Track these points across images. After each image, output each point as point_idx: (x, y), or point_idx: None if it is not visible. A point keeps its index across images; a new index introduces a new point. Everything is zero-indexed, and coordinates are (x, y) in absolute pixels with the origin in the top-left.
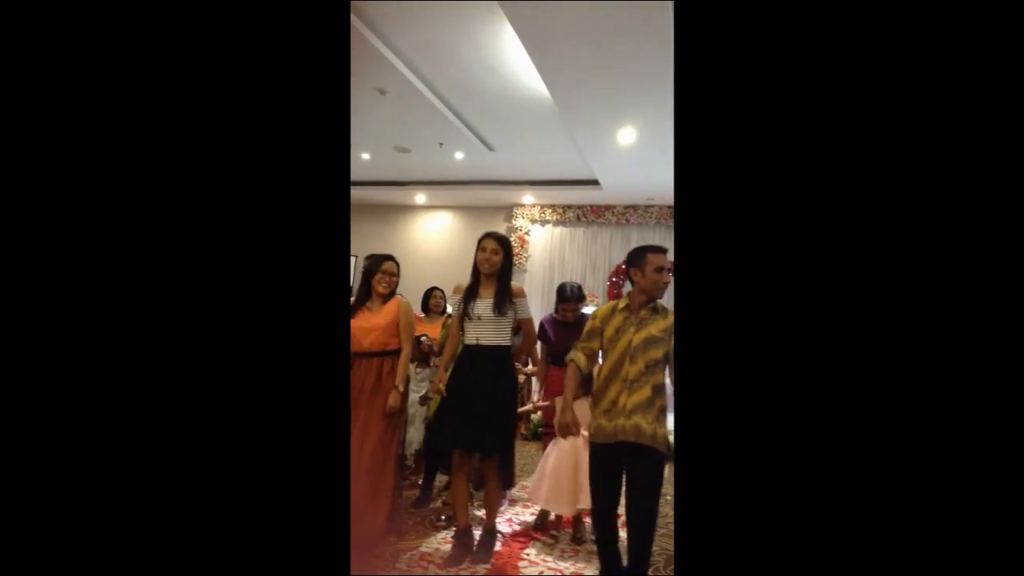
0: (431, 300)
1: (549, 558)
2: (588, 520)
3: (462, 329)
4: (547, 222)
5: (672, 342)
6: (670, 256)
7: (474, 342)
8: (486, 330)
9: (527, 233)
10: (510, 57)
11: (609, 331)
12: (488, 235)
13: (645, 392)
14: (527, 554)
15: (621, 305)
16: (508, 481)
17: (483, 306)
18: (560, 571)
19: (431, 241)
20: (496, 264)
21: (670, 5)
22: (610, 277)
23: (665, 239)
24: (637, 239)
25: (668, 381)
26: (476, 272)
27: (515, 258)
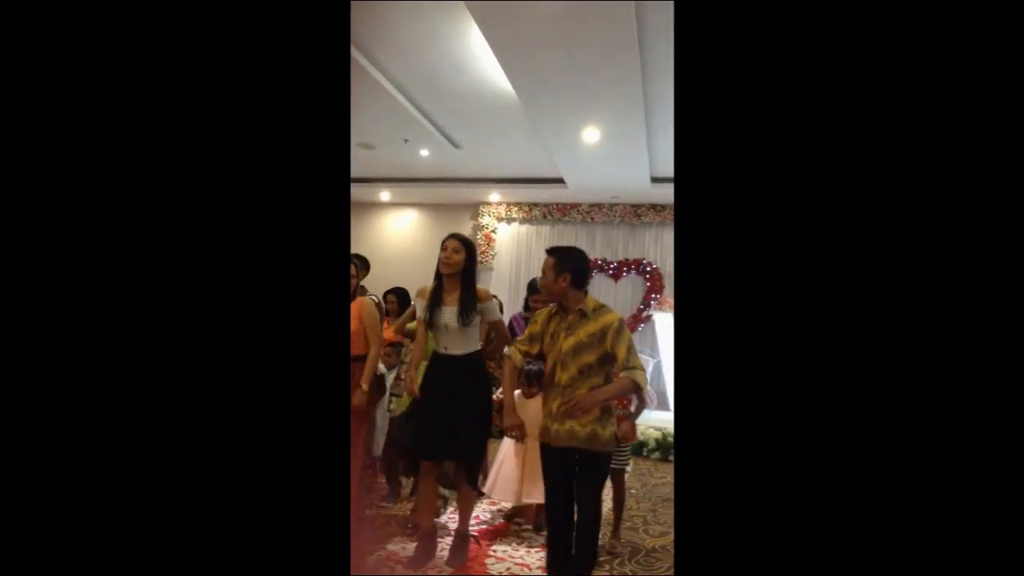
0: (387, 303)
1: (516, 554)
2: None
3: (429, 333)
4: (513, 220)
5: (606, 345)
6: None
7: (443, 351)
8: (453, 339)
9: (493, 231)
10: (476, 54)
11: (547, 336)
12: (451, 235)
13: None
14: (494, 551)
15: (554, 310)
16: (473, 480)
17: (449, 314)
18: (527, 566)
19: (396, 239)
20: (456, 264)
21: (633, 7)
22: None
23: (628, 237)
24: (602, 237)
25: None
26: (439, 275)
27: (481, 256)
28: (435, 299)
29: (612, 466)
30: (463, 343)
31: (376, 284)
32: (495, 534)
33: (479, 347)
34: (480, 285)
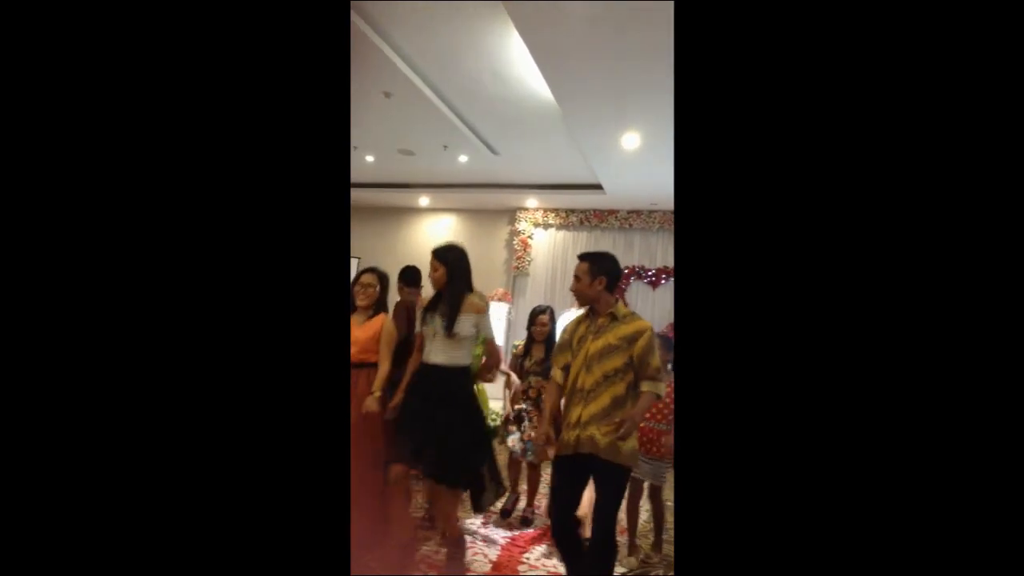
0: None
1: (549, 561)
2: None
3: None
4: (550, 226)
5: (635, 349)
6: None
7: (427, 360)
8: (438, 348)
9: (530, 237)
10: (515, 61)
11: (574, 342)
12: (432, 251)
13: (602, 402)
14: (527, 558)
15: (583, 316)
16: (477, 504)
17: (440, 322)
18: (560, 574)
19: (434, 244)
20: (439, 281)
21: (672, 10)
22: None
23: (668, 245)
24: (640, 244)
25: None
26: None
27: (518, 261)
28: (431, 305)
29: (651, 483)
30: (446, 354)
31: None
32: (528, 541)
33: (466, 364)
34: (508, 294)
